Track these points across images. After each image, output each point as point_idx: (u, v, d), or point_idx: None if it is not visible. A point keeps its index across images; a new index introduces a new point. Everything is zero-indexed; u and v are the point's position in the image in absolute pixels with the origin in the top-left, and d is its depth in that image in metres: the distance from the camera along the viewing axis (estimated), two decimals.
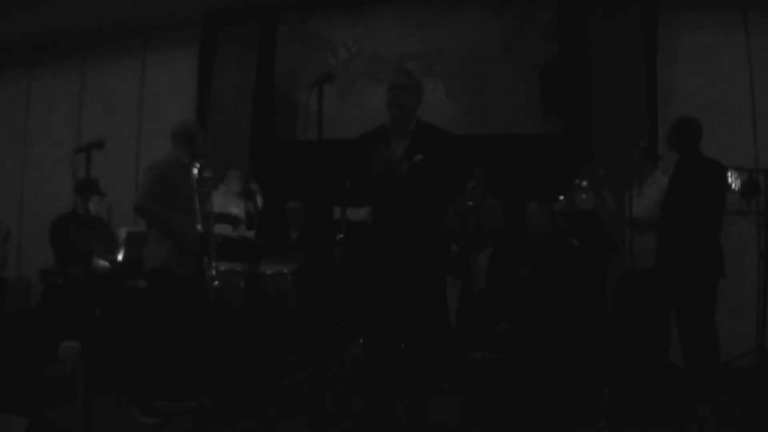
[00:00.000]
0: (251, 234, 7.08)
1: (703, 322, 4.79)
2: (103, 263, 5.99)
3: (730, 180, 6.02)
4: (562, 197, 6.73)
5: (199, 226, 4.55)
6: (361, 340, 5.69)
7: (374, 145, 4.14)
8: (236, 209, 7.06)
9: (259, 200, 7.32)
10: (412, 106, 4.16)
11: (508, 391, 4.99)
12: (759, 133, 6.69)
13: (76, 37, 8.92)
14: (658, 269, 5.08)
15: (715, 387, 4.78)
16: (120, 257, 6.02)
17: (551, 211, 6.37)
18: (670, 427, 4.36)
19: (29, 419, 3.42)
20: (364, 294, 4.25)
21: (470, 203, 6.51)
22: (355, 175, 4.18)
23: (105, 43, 8.93)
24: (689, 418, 4.52)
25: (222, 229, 6.80)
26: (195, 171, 4.65)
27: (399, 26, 8.25)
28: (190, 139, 4.67)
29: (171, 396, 4.66)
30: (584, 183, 6.35)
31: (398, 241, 4.01)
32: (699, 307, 4.80)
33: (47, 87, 9.15)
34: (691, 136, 4.95)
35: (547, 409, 4.50)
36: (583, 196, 6.59)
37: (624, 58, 7.22)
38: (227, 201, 7.06)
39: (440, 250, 4.34)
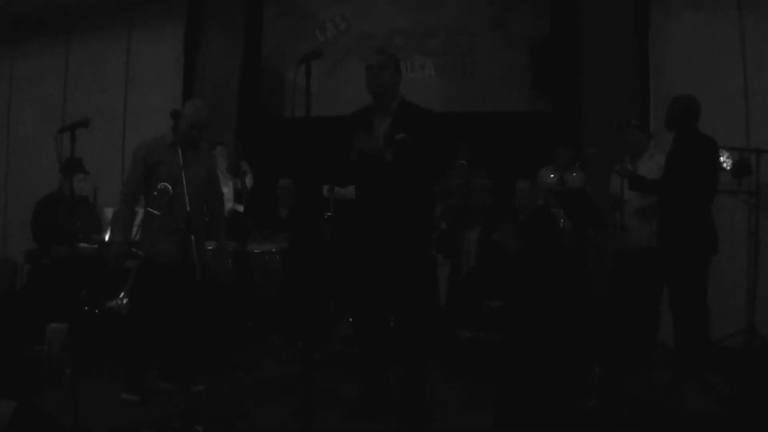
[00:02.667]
0: (240, 208, 7.05)
1: (695, 300, 4.78)
2: (86, 245, 5.94)
3: (721, 159, 6.01)
4: (552, 175, 6.73)
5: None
6: (350, 319, 5.68)
7: (358, 125, 4.13)
8: (224, 188, 7.01)
9: (249, 178, 7.27)
10: (391, 84, 4.15)
11: (497, 369, 4.99)
12: (751, 113, 6.65)
13: (60, 14, 8.79)
14: (658, 246, 5.06)
15: (704, 365, 4.78)
16: (106, 237, 5.96)
17: (540, 189, 6.37)
18: (659, 406, 4.36)
19: (17, 402, 3.38)
20: (353, 272, 4.24)
21: (458, 181, 6.49)
22: (337, 157, 4.17)
23: (90, 19, 8.81)
24: (677, 397, 4.53)
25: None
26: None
27: (387, 2, 8.18)
28: (174, 118, 4.57)
29: (170, 378, 4.66)
30: (577, 164, 6.36)
31: (384, 218, 4.00)
32: (691, 283, 4.79)
33: (31, 65, 9.03)
34: (688, 114, 4.91)
35: (537, 388, 4.50)
36: (574, 174, 6.61)
37: (616, 36, 7.15)
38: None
39: (427, 227, 4.32)
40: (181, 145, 4.44)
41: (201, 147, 4.70)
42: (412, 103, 4.22)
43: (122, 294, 4.16)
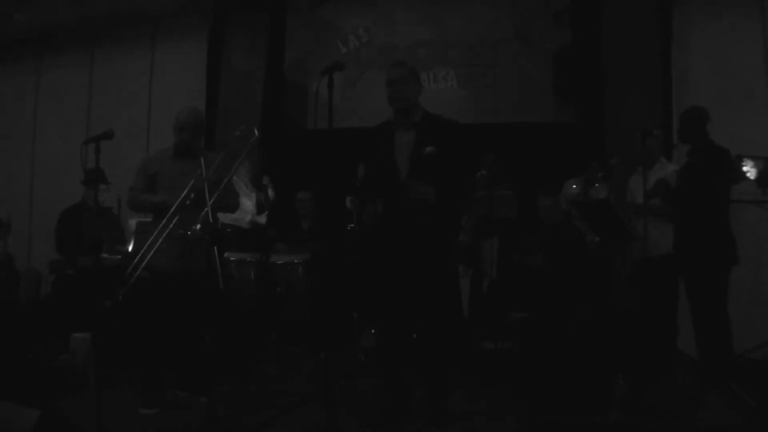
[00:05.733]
0: (263, 219, 7.06)
1: (715, 311, 4.74)
2: (111, 256, 5.99)
3: (746, 169, 5.95)
4: (575, 186, 6.69)
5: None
6: (373, 330, 5.68)
7: (380, 139, 4.15)
8: (247, 200, 7.03)
9: (271, 191, 7.28)
10: (414, 97, 4.17)
11: (521, 381, 4.96)
12: None
13: (84, 28, 8.89)
14: (675, 255, 5.03)
15: (728, 376, 4.73)
16: (130, 248, 6.01)
17: (563, 202, 6.34)
18: (683, 417, 4.32)
19: (41, 410, 3.40)
20: (375, 283, 4.25)
21: (481, 193, 6.47)
22: (360, 178, 4.19)
23: (113, 33, 8.90)
24: (702, 408, 4.48)
25: (234, 220, 6.78)
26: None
27: (410, 14, 8.19)
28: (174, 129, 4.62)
29: (188, 387, 4.67)
30: (599, 175, 6.31)
31: (406, 229, 4.00)
32: (711, 294, 4.75)
33: (56, 78, 9.14)
34: (697, 125, 4.89)
35: (560, 399, 4.46)
36: (597, 185, 6.56)
37: (638, 45, 7.14)
38: (238, 191, 7.03)
39: (451, 237, 4.33)
40: (179, 154, 4.51)
41: (200, 154, 4.53)
42: (434, 114, 4.22)
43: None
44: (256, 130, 4.32)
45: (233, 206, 4.92)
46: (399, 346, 4.16)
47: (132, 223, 6.28)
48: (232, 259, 6.33)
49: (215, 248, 4.05)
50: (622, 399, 4.41)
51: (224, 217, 6.69)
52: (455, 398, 4.56)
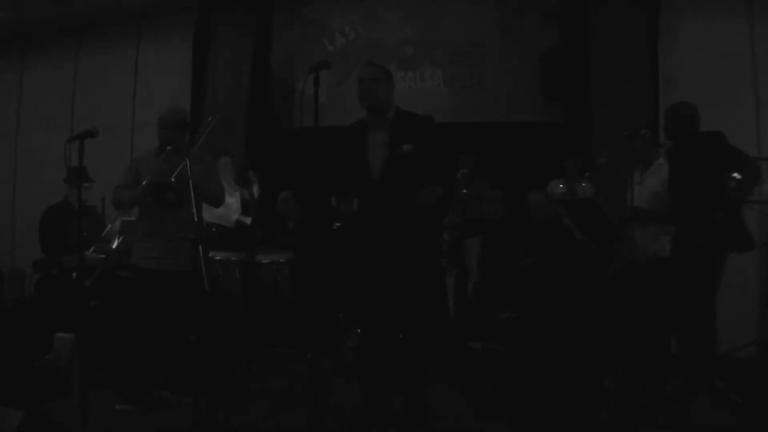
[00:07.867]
0: (248, 220, 7.03)
1: (704, 304, 4.68)
2: (93, 255, 5.93)
3: None
4: (561, 185, 6.69)
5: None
6: (358, 331, 5.66)
7: (353, 139, 4.14)
8: (231, 198, 7.00)
9: (256, 188, 7.25)
10: (384, 96, 4.12)
11: (509, 381, 4.95)
12: (762, 121, 6.63)
13: (69, 25, 8.82)
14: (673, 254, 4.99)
15: (713, 374, 4.72)
16: (114, 246, 5.96)
17: (550, 199, 6.33)
18: (672, 417, 4.31)
19: (24, 411, 3.37)
20: (358, 282, 4.22)
21: (464, 191, 6.46)
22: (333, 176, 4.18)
23: (98, 30, 8.84)
24: (690, 408, 4.48)
25: (219, 218, 6.75)
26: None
27: (397, 12, 8.17)
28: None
29: (172, 387, 4.63)
30: (587, 174, 6.31)
31: (387, 229, 3.97)
32: (703, 284, 4.67)
33: (40, 76, 9.06)
34: (687, 121, 4.84)
35: (548, 399, 4.46)
36: (583, 184, 6.57)
37: (626, 44, 7.15)
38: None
39: (433, 236, 4.30)
40: (162, 151, 4.48)
41: (186, 152, 4.40)
42: (408, 112, 4.19)
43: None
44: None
45: (218, 198, 4.84)
46: (383, 348, 4.13)
47: (117, 221, 6.23)
48: (217, 258, 6.29)
49: (200, 247, 4.02)
50: (611, 399, 4.41)
51: (209, 216, 6.65)
52: (443, 398, 4.55)
